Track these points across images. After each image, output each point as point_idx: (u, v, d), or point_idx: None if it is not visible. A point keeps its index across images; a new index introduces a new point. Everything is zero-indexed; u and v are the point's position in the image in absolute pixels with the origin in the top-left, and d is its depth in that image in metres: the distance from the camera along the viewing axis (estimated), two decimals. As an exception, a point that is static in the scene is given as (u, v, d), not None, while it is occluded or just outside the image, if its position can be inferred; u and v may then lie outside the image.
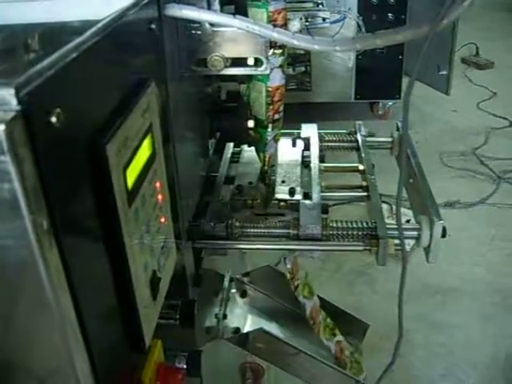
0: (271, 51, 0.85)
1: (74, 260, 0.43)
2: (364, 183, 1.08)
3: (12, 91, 0.36)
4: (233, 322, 1.21)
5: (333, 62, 3.01)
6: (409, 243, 0.92)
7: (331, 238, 0.91)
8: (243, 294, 1.29)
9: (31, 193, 0.37)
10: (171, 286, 0.69)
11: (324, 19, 2.86)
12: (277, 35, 0.68)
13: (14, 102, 0.36)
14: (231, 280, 1.27)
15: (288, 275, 1.24)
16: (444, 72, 3.13)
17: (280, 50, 0.91)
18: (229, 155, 1.14)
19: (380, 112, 3.36)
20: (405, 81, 3.16)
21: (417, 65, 0.63)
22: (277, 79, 0.94)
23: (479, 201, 2.64)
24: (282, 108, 0.98)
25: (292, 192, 1.00)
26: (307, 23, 2.81)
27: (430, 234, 0.88)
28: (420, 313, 2.01)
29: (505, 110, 3.45)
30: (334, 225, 0.91)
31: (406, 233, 0.89)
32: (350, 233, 0.91)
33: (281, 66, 0.93)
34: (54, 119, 0.39)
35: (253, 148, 1.09)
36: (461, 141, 3.16)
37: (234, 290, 1.27)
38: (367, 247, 0.90)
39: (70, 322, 0.43)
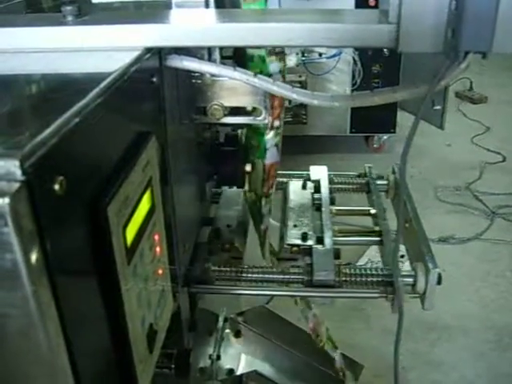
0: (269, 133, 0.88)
1: (72, 320, 0.42)
2: (376, 228, 1.07)
3: (17, 163, 0.36)
4: (227, 363, 1.20)
5: (329, 96, 3.03)
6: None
7: (344, 285, 0.89)
8: (237, 334, 1.28)
9: (33, 262, 0.37)
10: (167, 332, 0.69)
11: (320, 54, 2.89)
12: (276, 89, 0.69)
13: (18, 173, 0.36)
14: (225, 320, 1.26)
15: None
16: (438, 107, 3.18)
17: (274, 131, 0.92)
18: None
19: (375, 145, 3.39)
20: (399, 115, 3.19)
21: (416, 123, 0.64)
22: (272, 157, 0.96)
23: (473, 236, 2.64)
24: (274, 183, 1.01)
25: (305, 237, 0.99)
26: (304, 58, 2.84)
27: (425, 282, 0.87)
28: (415, 350, 2.00)
29: (498, 144, 3.48)
30: (347, 271, 0.89)
31: (402, 279, 0.88)
32: (363, 279, 0.89)
33: (276, 145, 0.95)
34: (56, 187, 0.39)
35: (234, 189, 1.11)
36: (455, 175, 3.18)
37: (228, 330, 1.27)
38: (383, 294, 0.88)
39: (65, 375, 0.43)
